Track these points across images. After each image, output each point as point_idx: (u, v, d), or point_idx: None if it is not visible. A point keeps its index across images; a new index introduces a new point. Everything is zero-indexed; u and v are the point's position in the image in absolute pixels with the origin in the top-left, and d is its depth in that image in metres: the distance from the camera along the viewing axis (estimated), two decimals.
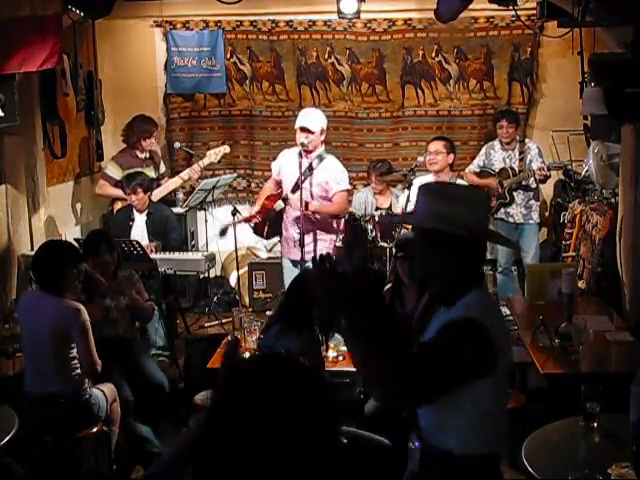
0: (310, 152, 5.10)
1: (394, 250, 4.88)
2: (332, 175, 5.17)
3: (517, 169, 6.13)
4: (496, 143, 6.30)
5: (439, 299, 2.40)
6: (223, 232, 5.10)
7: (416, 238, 2.47)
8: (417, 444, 2.45)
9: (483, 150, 6.39)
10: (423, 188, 2.46)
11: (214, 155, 6.48)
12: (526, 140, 6.28)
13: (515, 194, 6.17)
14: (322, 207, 5.16)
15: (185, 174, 6.52)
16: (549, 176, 6.06)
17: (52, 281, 3.84)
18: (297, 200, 5.05)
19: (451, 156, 5.85)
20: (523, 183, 6.14)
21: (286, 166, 5.29)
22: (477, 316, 2.25)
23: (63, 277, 3.85)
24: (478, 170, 6.34)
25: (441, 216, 2.30)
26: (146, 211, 5.90)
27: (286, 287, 5.21)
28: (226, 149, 6.60)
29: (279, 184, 5.40)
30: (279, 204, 5.29)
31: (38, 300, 3.88)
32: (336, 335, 4.05)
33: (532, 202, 6.21)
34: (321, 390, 1.43)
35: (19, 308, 4.03)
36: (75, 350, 3.86)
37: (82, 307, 3.84)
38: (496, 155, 6.27)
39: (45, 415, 3.74)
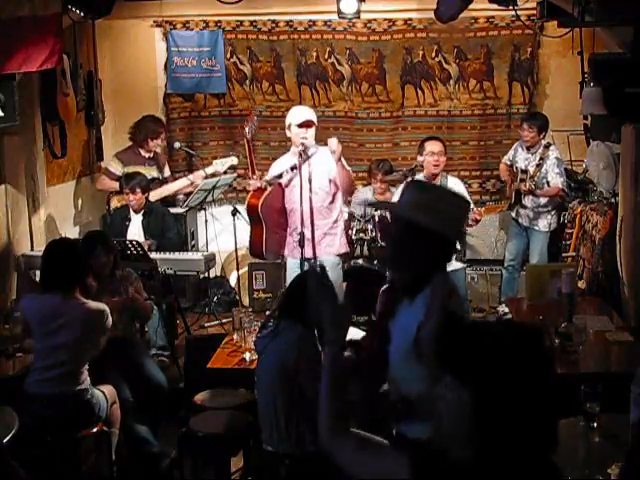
0: (307, 149, 5.08)
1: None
2: (330, 160, 5.16)
3: (532, 173, 5.98)
4: (524, 144, 6.18)
5: (403, 290, 2.50)
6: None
7: (393, 227, 2.55)
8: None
9: (515, 145, 6.32)
10: (413, 182, 2.58)
11: (220, 165, 6.48)
12: (550, 148, 6.04)
13: (525, 197, 6.07)
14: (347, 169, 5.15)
15: (187, 179, 6.51)
16: (531, 190, 5.91)
17: (67, 280, 3.80)
18: (299, 198, 5.05)
19: (446, 156, 5.83)
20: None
21: (282, 168, 5.26)
22: (453, 309, 2.40)
23: (78, 275, 3.87)
24: (509, 163, 6.29)
25: (421, 210, 2.39)
26: (142, 211, 5.89)
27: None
28: (234, 160, 6.58)
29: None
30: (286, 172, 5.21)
31: (58, 304, 3.77)
32: None
33: (541, 209, 6.05)
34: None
35: (28, 310, 3.90)
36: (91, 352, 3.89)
37: (107, 308, 3.87)
38: (521, 155, 6.17)
39: (46, 415, 3.74)
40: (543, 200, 6.03)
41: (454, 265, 5.16)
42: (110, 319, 3.87)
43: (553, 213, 6.11)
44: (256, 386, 3.48)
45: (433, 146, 5.60)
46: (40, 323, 3.82)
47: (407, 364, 2.40)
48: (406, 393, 2.42)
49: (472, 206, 5.51)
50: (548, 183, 5.94)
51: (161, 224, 5.94)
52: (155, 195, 6.32)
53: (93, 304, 3.84)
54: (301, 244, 5.08)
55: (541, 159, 6.00)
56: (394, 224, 2.58)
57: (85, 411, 3.85)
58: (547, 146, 6.06)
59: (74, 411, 3.80)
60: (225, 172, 6.65)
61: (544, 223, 6.10)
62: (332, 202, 5.22)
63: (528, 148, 6.11)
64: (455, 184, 5.62)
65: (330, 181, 5.16)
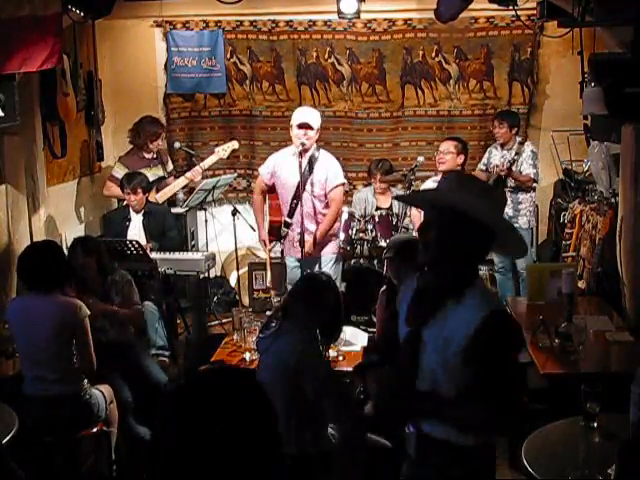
0: (306, 151, 5.12)
1: (384, 251, 4.92)
2: (331, 171, 5.23)
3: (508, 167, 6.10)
4: (498, 143, 6.31)
5: (446, 290, 2.36)
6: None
7: (432, 217, 2.38)
8: (412, 429, 2.49)
9: (488, 149, 6.44)
10: (451, 173, 2.53)
11: (222, 152, 6.50)
12: (525, 143, 6.23)
13: (505, 194, 6.15)
14: (325, 226, 5.23)
15: (185, 178, 6.52)
16: (509, 171, 5.97)
17: (44, 280, 3.77)
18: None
19: (461, 157, 5.87)
20: (510, 185, 6.10)
21: (282, 170, 5.29)
22: (500, 306, 2.41)
23: (55, 274, 3.81)
24: (484, 168, 6.37)
25: (465, 194, 2.31)
26: (142, 211, 5.89)
27: (289, 285, 5.27)
28: (235, 145, 6.60)
29: (269, 188, 5.42)
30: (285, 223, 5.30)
31: (34, 303, 3.79)
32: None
33: (521, 206, 6.15)
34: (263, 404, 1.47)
35: (10, 314, 3.89)
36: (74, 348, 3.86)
37: (82, 303, 3.82)
38: (496, 155, 6.29)
39: (45, 416, 3.74)
40: (521, 196, 6.12)
41: None
42: (87, 313, 3.80)
43: (531, 210, 6.22)
44: None
45: (442, 145, 5.85)
46: (17, 323, 3.83)
47: (455, 366, 2.31)
48: (446, 394, 2.36)
49: None
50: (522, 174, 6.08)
51: (162, 224, 5.93)
52: (162, 196, 6.34)
53: (65, 298, 3.81)
54: (301, 244, 5.11)
55: (517, 154, 6.12)
56: (434, 213, 2.37)
57: (84, 412, 3.85)
58: (522, 142, 6.22)
59: (73, 412, 3.80)
60: (228, 157, 6.65)
61: (524, 220, 6.19)
62: (326, 207, 5.27)
63: (502, 146, 6.23)
64: None
65: (322, 193, 5.22)
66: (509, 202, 6.15)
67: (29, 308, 3.80)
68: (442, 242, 2.33)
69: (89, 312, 3.83)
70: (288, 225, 5.30)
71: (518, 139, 6.23)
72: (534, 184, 6.14)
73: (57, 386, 3.78)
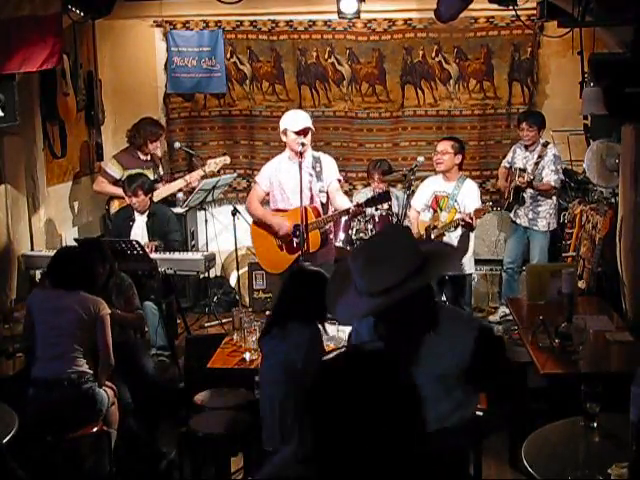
0: (302, 154, 5.08)
1: None
2: (331, 170, 5.22)
3: (530, 171, 6.03)
4: (523, 143, 6.24)
5: (426, 330, 2.44)
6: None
7: (381, 314, 2.39)
8: None
9: (513, 147, 6.39)
10: (353, 262, 2.37)
11: (214, 165, 6.52)
12: (549, 146, 6.12)
13: (525, 197, 6.11)
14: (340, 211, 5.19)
15: (183, 180, 6.51)
16: (528, 182, 5.93)
17: (84, 280, 4.04)
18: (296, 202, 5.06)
19: (459, 157, 5.84)
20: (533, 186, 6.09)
21: (283, 176, 5.23)
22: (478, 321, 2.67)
23: (95, 276, 4.15)
24: (508, 166, 6.33)
25: (391, 284, 2.28)
26: (147, 212, 5.87)
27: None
28: (226, 160, 6.60)
29: (266, 196, 5.39)
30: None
31: (58, 294, 4.00)
32: (334, 334, 4.06)
33: (540, 209, 6.10)
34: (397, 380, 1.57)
35: (32, 302, 4.09)
36: (90, 344, 3.98)
37: (103, 301, 4.03)
38: (520, 154, 6.23)
39: (50, 400, 3.80)
40: (541, 199, 6.07)
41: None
42: (108, 311, 4.02)
43: (552, 213, 6.14)
44: (259, 387, 3.47)
45: (439, 145, 5.79)
46: (41, 310, 4.00)
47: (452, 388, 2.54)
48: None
49: (463, 210, 5.52)
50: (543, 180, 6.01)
51: (165, 226, 5.91)
52: (157, 196, 6.33)
53: (92, 296, 4.02)
54: (301, 244, 5.09)
55: (539, 157, 6.06)
56: (379, 313, 2.42)
57: (86, 401, 3.89)
58: (545, 144, 6.12)
59: (76, 397, 3.85)
60: (219, 171, 6.67)
61: (543, 223, 6.13)
62: (324, 210, 5.24)
63: (526, 147, 6.16)
64: (469, 187, 5.68)
65: (322, 191, 5.20)
66: (529, 205, 6.13)
67: (52, 298, 4.00)
68: (400, 323, 2.39)
69: (109, 311, 4.03)
70: (297, 231, 5.23)
71: (541, 141, 6.15)
72: (554, 190, 6.06)
73: (64, 369, 3.87)
